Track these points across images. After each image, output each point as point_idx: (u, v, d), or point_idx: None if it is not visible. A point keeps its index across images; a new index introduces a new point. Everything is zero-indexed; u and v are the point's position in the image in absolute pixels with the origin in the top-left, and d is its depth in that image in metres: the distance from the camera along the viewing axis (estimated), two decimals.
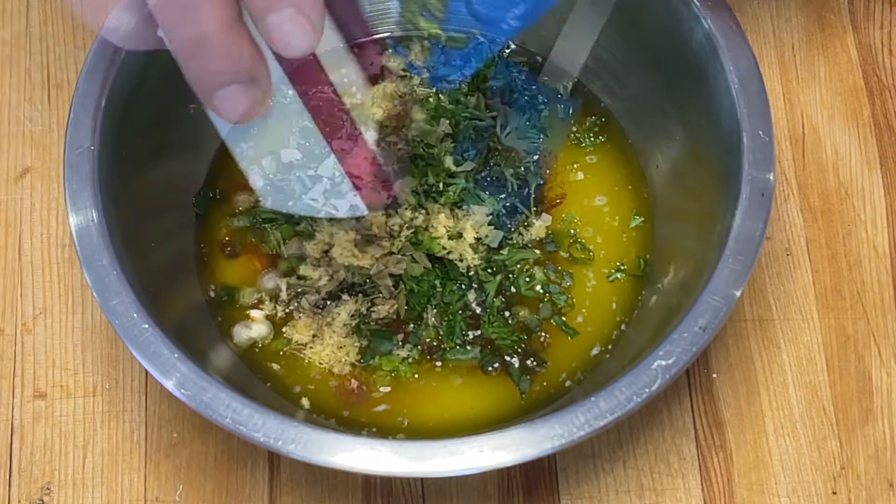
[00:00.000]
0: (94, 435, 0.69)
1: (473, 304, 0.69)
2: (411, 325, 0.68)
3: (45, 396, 0.70)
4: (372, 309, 0.68)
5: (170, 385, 0.55)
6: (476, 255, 0.69)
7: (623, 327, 0.69)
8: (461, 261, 0.69)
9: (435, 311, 0.68)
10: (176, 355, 0.56)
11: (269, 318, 0.69)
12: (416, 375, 0.67)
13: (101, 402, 0.69)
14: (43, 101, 0.78)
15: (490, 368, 0.68)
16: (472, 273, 0.69)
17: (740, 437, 0.69)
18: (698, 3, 0.63)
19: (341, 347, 0.67)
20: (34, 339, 0.71)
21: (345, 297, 0.68)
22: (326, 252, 0.69)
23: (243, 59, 0.46)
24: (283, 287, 0.69)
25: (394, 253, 0.68)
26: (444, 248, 0.69)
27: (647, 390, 0.55)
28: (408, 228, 0.69)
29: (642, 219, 0.72)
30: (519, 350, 0.68)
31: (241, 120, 0.49)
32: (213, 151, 0.74)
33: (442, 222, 0.69)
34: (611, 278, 0.71)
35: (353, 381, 0.67)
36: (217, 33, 0.44)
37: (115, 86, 0.62)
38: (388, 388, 0.67)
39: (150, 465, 0.68)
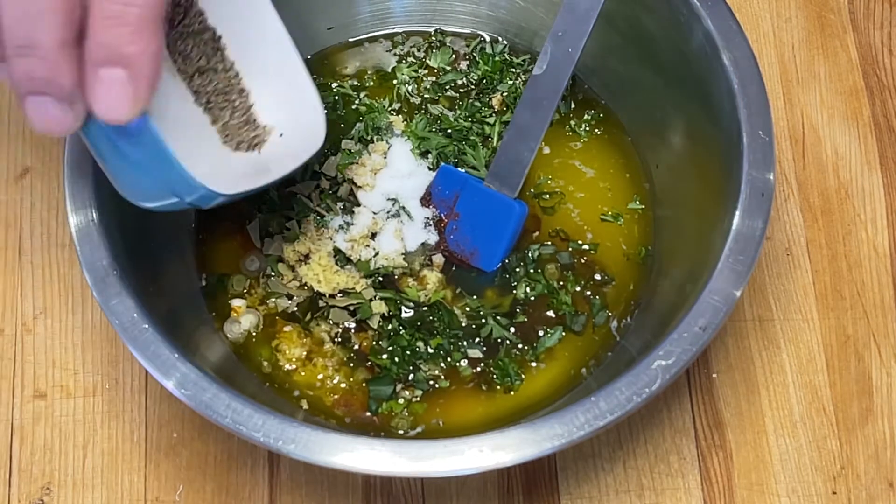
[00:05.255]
0: (94, 435, 0.69)
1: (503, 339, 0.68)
2: (410, 376, 0.67)
3: (45, 396, 0.70)
4: (349, 330, 0.68)
5: (170, 385, 0.55)
6: (458, 309, 0.69)
7: (628, 319, 0.69)
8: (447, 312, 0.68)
9: (428, 365, 0.67)
10: (176, 355, 0.56)
11: (251, 307, 0.69)
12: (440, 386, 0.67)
13: (101, 402, 0.69)
14: None
15: (580, 327, 0.68)
16: (465, 325, 0.68)
17: (740, 437, 0.69)
18: (698, 3, 0.64)
19: (332, 377, 0.67)
20: (34, 339, 0.71)
21: (315, 322, 0.68)
22: (303, 260, 0.69)
23: (65, 79, 0.46)
24: (264, 270, 0.69)
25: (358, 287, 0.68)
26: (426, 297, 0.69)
27: (647, 390, 0.55)
28: (382, 266, 0.69)
29: (643, 206, 0.72)
30: (582, 282, 0.69)
31: (43, 130, 0.49)
32: None
33: (430, 278, 0.69)
34: (603, 217, 0.72)
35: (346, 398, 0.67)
36: (49, 47, 0.45)
37: None
38: (415, 431, 0.65)
39: (150, 465, 0.68)
